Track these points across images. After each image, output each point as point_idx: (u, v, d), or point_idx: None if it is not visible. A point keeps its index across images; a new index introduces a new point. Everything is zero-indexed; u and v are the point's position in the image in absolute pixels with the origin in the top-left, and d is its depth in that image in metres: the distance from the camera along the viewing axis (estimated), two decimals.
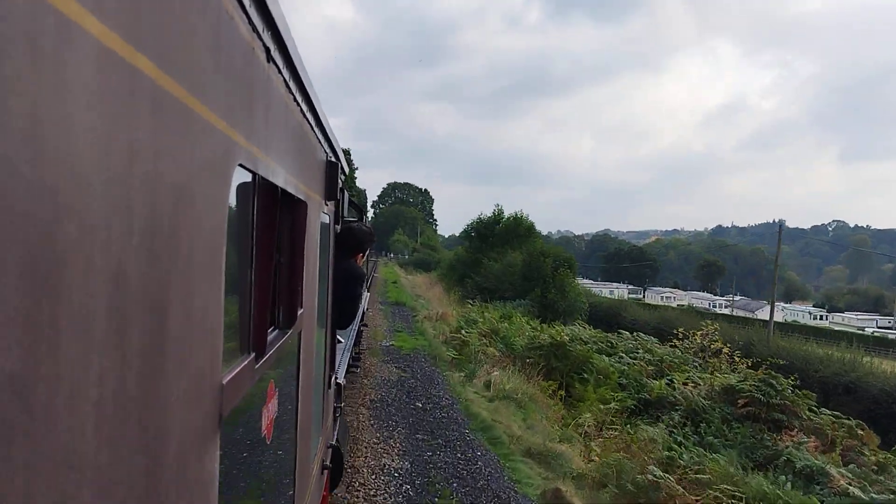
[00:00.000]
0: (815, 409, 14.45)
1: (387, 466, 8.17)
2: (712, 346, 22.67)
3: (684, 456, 10.25)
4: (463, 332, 19.09)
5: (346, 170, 5.10)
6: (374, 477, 7.79)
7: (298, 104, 2.22)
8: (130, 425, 0.83)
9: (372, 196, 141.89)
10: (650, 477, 8.56)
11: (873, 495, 9.67)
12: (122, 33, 0.74)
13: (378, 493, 7.36)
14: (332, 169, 3.49)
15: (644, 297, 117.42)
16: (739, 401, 14.00)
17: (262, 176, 1.59)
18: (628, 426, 12.88)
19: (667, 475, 8.80)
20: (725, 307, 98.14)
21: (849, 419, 14.06)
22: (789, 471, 10.66)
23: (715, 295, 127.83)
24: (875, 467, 11.83)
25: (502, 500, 7.49)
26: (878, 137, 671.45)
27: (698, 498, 8.64)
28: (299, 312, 2.41)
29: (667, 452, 10.43)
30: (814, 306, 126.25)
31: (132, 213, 0.80)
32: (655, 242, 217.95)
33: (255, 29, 1.41)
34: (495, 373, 14.22)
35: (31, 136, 0.58)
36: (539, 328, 21.99)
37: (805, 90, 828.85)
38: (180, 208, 0.97)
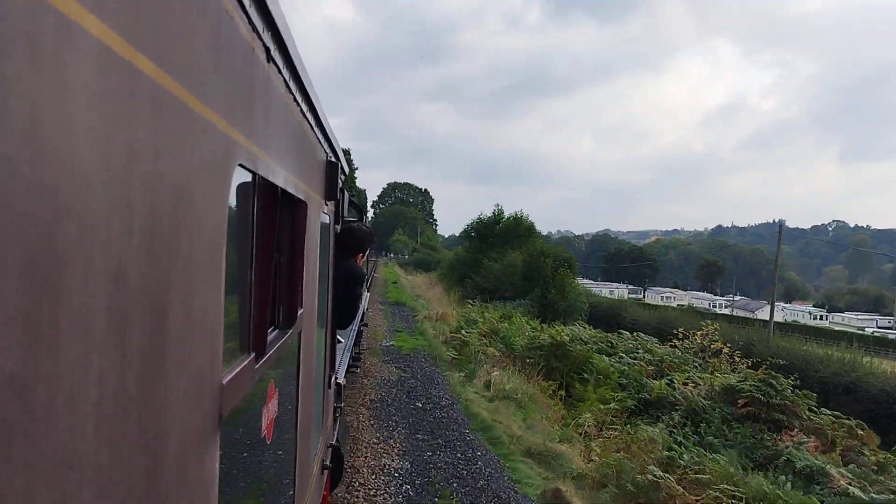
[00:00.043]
0: (815, 409, 14.44)
1: (387, 466, 8.17)
2: (712, 346, 22.65)
3: (684, 456, 10.23)
4: (463, 332, 19.09)
5: (346, 170, 5.09)
6: (374, 477, 7.79)
7: (298, 104, 2.22)
8: (130, 425, 0.82)
9: (372, 196, 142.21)
10: (650, 477, 8.55)
11: (873, 495, 9.66)
12: (122, 33, 0.74)
13: (378, 493, 7.36)
14: (332, 169, 3.49)
15: (644, 297, 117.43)
16: (739, 401, 13.99)
17: (262, 176, 1.59)
18: (628, 426, 12.87)
19: (667, 475, 8.79)
20: (725, 307, 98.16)
21: (849, 419, 14.05)
22: (789, 471, 10.65)
23: (715, 295, 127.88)
24: (875, 467, 11.81)
25: (502, 500, 7.49)
26: (878, 137, 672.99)
27: (698, 498, 8.63)
28: (299, 312, 2.41)
29: (667, 452, 10.41)
30: (814, 306, 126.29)
31: (132, 212, 0.80)
32: (655, 242, 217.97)
33: (255, 29, 1.41)
34: (495, 373, 14.21)
35: (31, 136, 0.58)
36: (539, 328, 21.98)
37: (805, 90, 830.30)
38: (180, 208, 0.97)
